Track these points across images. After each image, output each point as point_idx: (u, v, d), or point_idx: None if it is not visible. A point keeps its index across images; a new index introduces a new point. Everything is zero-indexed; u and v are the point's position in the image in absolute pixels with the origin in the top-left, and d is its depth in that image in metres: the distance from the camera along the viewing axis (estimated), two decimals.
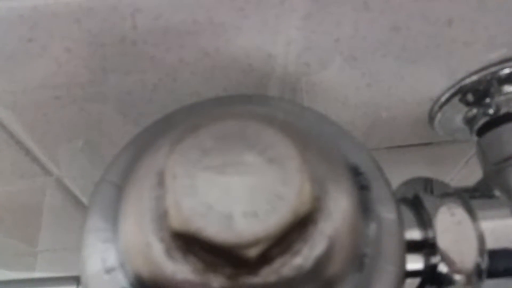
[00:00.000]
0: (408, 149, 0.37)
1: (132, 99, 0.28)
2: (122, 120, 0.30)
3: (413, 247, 0.25)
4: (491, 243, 0.25)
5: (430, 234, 0.25)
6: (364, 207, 0.21)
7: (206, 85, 0.28)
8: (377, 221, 0.21)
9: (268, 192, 0.17)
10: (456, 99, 0.30)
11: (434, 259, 0.25)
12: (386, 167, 0.23)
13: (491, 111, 0.30)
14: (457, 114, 0.31)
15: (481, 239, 0.25)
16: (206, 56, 0.26)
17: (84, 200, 0.40)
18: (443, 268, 0.24)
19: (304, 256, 0.18)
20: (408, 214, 0.26)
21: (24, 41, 0.23)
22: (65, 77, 0.26)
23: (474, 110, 0.30)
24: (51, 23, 0.22)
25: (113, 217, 0.21)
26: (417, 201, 0.26)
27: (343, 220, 0.19)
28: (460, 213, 0.25)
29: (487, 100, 0.30)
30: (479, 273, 0.25)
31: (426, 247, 0.25)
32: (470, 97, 0.30)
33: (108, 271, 0.20)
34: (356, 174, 0.22)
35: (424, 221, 0.25)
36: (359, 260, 0.20)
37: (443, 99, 0.30)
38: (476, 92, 0.29)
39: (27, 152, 0.32)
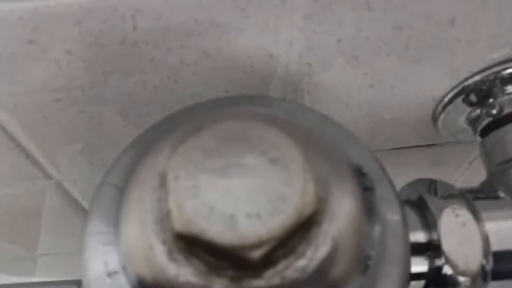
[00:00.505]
0: (411, 150, 0.37)
1: (133, 101, 0.28)
2: (123, 122, 0.30)
3: (418, 249, 0.25)
4: (496, 245, 0.25)
5: (434, 236, 0.25)
6: (368, 208, 0.21)
7: (207, 86, 0.28)
8: (381, 223, 0.21)
9: (271, 193, 0.17)
10: (459, 100, 0.30)
11: (439, 261, 0.25)
12: (389, 168, 0.23)
13: (494, 111, 0.30)
14: (461, 114, 0.31)
15: (485, 241, 0.25)
16: (207, 56, 0.26)
17: (84, 204, 0.40)
18: (447, 270, 0.24)
19: (308, 258, 0.17)
20: (412, 216, 0.26)
21: (25, 43, 0.23)
22: (65, 79, 0.26)
23: (478, 111, 0.30)
24: (52, 25, 0.22)
25: (115, 220, 0.21)
26: (421, 203, 0.26)
27: (347, 221, 0.19)
28: (464, 214, 0.25)
29: (491, 100, 0.30)
30: (484, 275, 0.24)
31: (431, 249, 0.25)
32: (473, 98, 0.30)
33: (110, 274, 0.20)
34: (359, 175, 0.22)
35: (429, 222, 0.25)
36: (363, 262, 0.20)
37: (446, 99, 0.30)
38: (479, 92, 0.29)
39: (27, 155, 0.32)
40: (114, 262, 0.20)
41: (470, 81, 0.29)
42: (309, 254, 0.18)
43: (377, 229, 0.21)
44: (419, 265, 0.25)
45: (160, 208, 0.18)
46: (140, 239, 0.19)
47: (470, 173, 0.40)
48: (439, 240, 0.24)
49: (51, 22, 0.22)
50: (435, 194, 0.26)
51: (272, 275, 0.17)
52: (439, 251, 0.24)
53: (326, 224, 0.18)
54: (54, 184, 0.36)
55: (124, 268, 0.20)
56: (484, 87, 0.29)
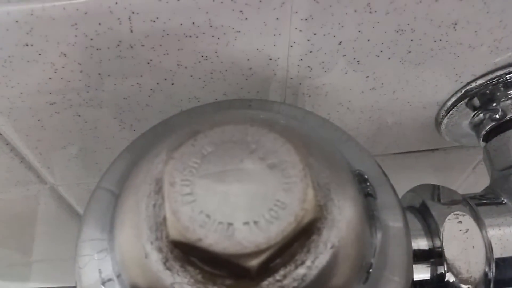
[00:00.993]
0: (414, 155, 0.37)
1: (129, 104, 0.28)
2: (119, 126, 0.30)
3: (420, 256, 0.25)
4: (498, 251, 0.25)
5: (437, 243, 0.25)
6: (370, 215, 0.21)
7: (205, 89, 0.28)
8: (383, 230, 0.21)
9: (270, 199, 0.17)
10: (462, 104, 0.30)
11: (441, 269, 0.24)
12: (391, 173, 0.23)
13: (497, 115, 0.30)
14: (464, 119, 0.31)
15: (488, 248, 0.25)
16: (205, 59, 0.25)
17: (79, 209, 0.40)
18: (450, 277, 0.24)
19: (307, 267, 0.17)
20: (414, 223, 0.26)
21: (20, 46, 0.23)
22: (61, 82, 0.26)
23: (481, 115, 0.30)
24: (48, 28, 0.22)
25: (109, 226, 0.21)
26: (424, 209, 0.26)
27: (348, 229, 0.19)
28: (467, 221, 0.25)
29: (494, 104, 0.30)
30: (486, 283, 0.24)
31: (433, 256, 0.25)
32: (476, 102, 0.30)
33: (105, 282, 0.20)
34: (361, 181, 0.22)
35: (431, 229, 0.25)
36: (364, 271, 0.19)
37: (449, 103, 0.30)
38: (483, 96, 0.29)
39: (22, 159, 0.32)
40: (108, 270, 0.20)
41: (473, 85, 0.29)
42: (308, 262, 0.17)
43: (378, 237, 0.20)
44: (422, 273, 0.25)
45: (155, 214, 0.18)
46: (135, 246, 0.19)
47: (474, 178, 0.40)
48: (441, 247, 0.24)
49: (47, 24, 0.22)
50: (438, 200, 0.26)
51: (270, 284, 0.17)
52: (441, 258, 0.24)
53: (326, 231, 0.18)
54: (49, 189, 0.36)
55: (118, 276, 0.19)
56: (487, 91, 0.29)
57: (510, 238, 0.25)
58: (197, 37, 0.24)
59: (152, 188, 0.19)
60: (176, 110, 0.26)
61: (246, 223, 0.17)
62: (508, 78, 0.28)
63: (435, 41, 0.25)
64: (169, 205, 0.17)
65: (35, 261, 0.44)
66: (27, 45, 0.23)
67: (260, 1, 0.22)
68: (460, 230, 0.25)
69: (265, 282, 0.17)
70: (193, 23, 0.23)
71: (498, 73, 0.28)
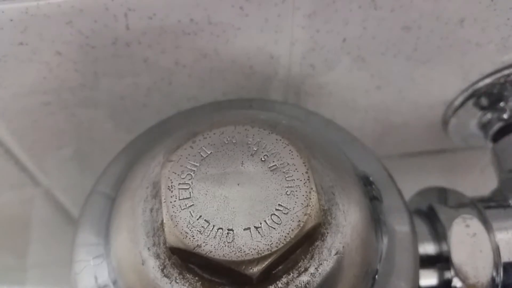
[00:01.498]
0: (421, 156, 0.37)
1: (125, 104, 0.28)
2: (115, 127, 0.30)
3: (427, 261, 0.25)
4: (506, 255, 0.24)
5: (444, 247, 0.25)
6: (375, 219, 0.21)
7: (204, 89, 0.27)
8: (389, 235, 0.21)
9: (271, 204, 0.17)
10: (470, 103, 0.30)
11: (448, 274, 0.24)
12: (398, 175, 0.23)
13: (505, 115, 0.29)
14: (472, 119, 0.31)
15: (496, 252, 0.24)
16: (203, 58, 0.25)
17: (75, 212, 0.40)
18: (457, 283, 0.24)
19: (310, 274, 0.17)
20: (421, 226, 0.25)
21: (15, 45, 0.23)
22: (55, 81, 0.26)
23: (489, 115, 0.30)
24: (42, 26, 0.22)
25: (105, 231, 0.21)
26: (431, 213, 0.26)
27: (353, 234, 0.18)
28: (475, 224, 0.25)
29: (502, 104, 0.29)
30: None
31: (440, 261, 0.25)
32: (484, 101, 0.30)
33: None
34: (366, 184, 0.21)
35: (439, 233, 0.25)
36: (370, 277, 0.19)
37: (456, 102, 0.30)
38: (490, 95, 0.29)
39: (17, 161, 0.32)
40: (104, 276, 0.20)
41: (481, 83, 0.28)
42: (312, 269, 0.17)
43: (384, 241, 0.20)
44: (428, 278, 0.25)
45: (152, 219, 0.18)
46: (131, 252, 0.18)
47: (482, 180, 0.39)
48: (449, 251, 0.24)
49: (41, 22, 0.22)
50: (446, 203, 0.26)
51: None
52: (448, 263, 0.24)
53: (331, 237, 0.18)
54: (43, 192, 0.36)
55: (115, 282, 0.19)
56: (495, 90, 0.29)
57: None
58: (195, 34, 0.24)
59: (149, 192, 0.19)
60: (174, 110, 0.26)
61: (247, 228, 0.17)
62: None
63: (441, 38, 0.25)
64: (167, 209, 0.17)
65: (31, 266, 0.44)
66: (21, 44, 0.23)
67: None
68: (468, 234, 0.24)
69: None
70: (192, 19, 0.23)
71: (506, 71, 0.28)
